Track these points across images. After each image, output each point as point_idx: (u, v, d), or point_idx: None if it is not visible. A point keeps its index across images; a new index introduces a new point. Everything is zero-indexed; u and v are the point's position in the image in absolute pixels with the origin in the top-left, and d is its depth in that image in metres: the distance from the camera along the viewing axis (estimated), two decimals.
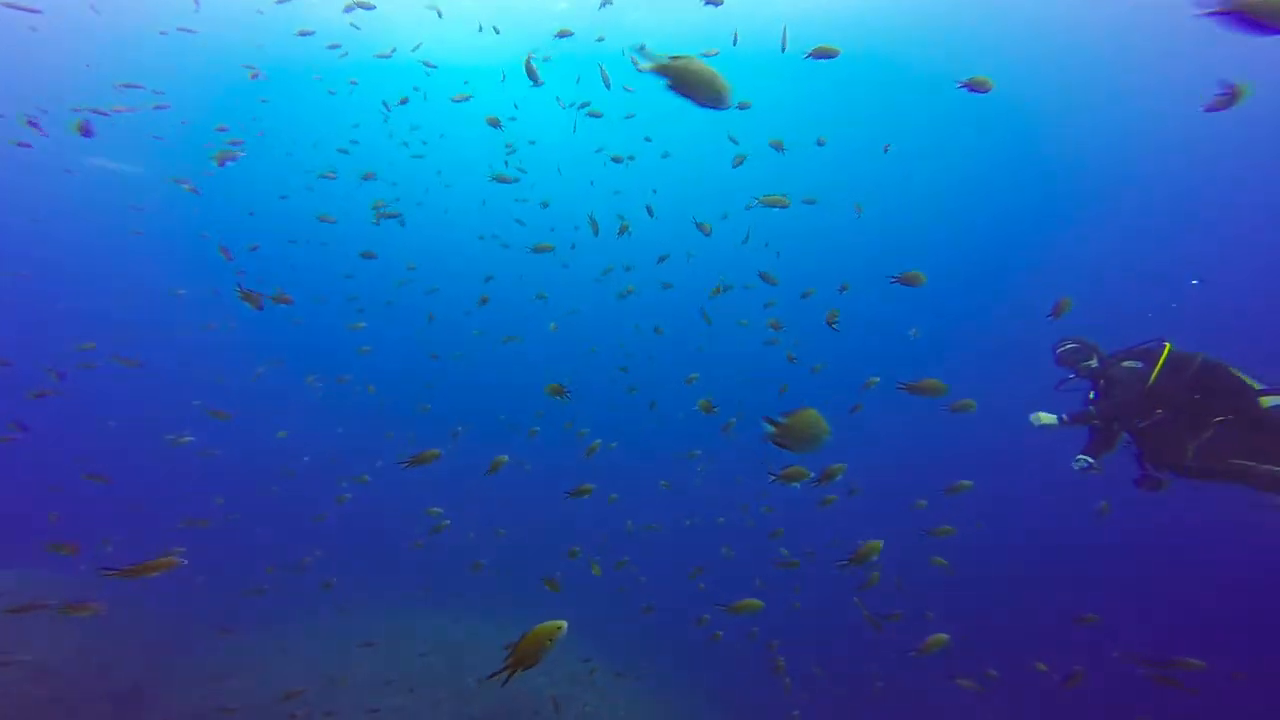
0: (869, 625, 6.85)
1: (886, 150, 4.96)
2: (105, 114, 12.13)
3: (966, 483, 4.45)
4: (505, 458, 4.91)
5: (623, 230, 8.25)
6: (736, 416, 9.06)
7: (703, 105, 2.13)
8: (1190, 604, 13.93)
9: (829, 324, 4.47)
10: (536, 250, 5.58)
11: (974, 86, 3.47)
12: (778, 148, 7.55)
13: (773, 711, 9.93)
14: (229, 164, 5.40)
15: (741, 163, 8.79)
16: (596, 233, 7.10)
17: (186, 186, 11.29)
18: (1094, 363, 4.33)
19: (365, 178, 8.93)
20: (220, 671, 9.34)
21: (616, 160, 8.08)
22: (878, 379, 6.67)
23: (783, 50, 7.75)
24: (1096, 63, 18.44)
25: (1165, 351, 3.87)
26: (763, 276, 5.98)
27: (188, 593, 11.30)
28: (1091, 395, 4.25)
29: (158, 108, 10.89)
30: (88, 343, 10.74)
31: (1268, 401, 3.57)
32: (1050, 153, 22.85)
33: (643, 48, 2.08)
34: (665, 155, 15.02)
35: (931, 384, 3.43)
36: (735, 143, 8.37)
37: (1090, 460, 4.07)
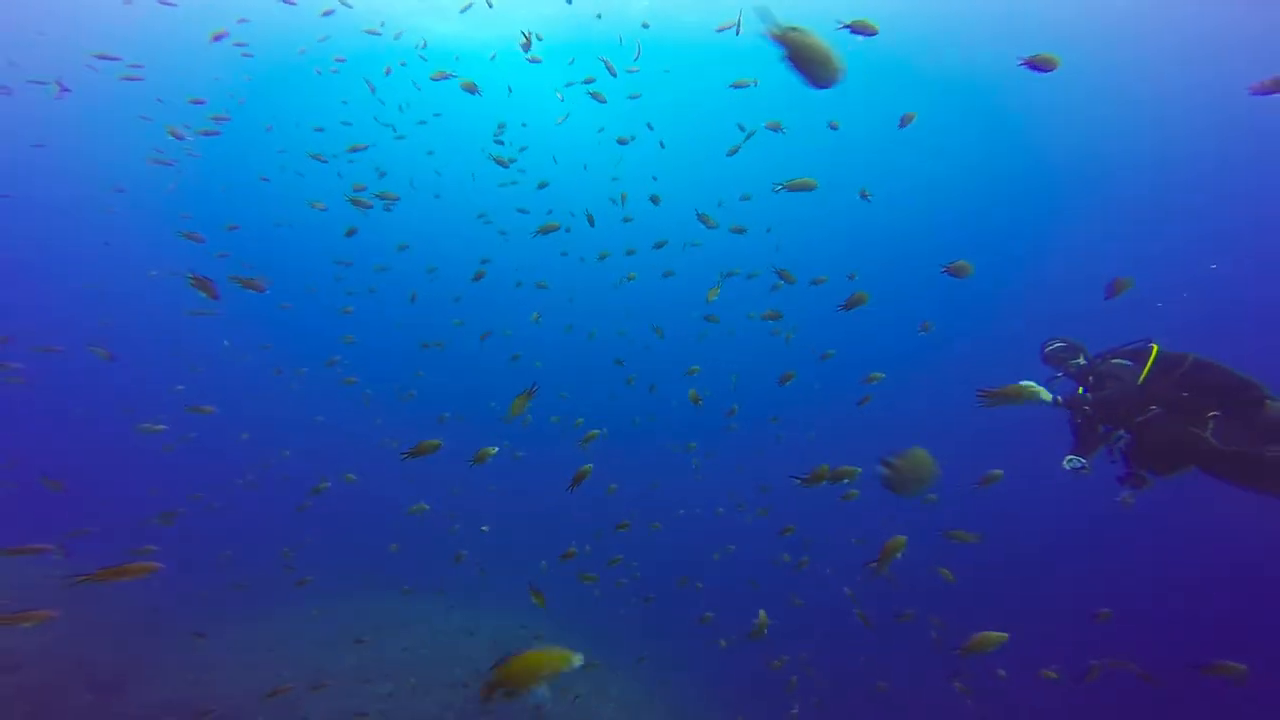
0: (877, 622, 6.80)
1: (905, 124, 4.76)
2: (66, 90, 11.49)
3: (997, 472, 4.35)
4: (494, 449, 4.66)
5: (623, 203, 8.08)
6: (736, 405, 8.89)
7: (812, 84, 1.98)
8: (1197, 602, 14.10)
9: (848, 307, 4.29)
10: (542, 231, 5.34)
11: (1036, 64, 3.25)
12: (775, 128, 7.41)
13: (769, 709, 9.88)
14: (188, 139, 4.98)
15: (737, 151, 8.62)
16: (592, 224, 6.86)
17: (150, 161, 10.77)
18: (1081, 361, 4.36)
19: (352, 150, 8.57)
20: (204, 662, 9.10)
21: (622, 142, 7.81)
22: (882, 374, 6.56)
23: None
24: (1097, 58, 18.48)
25: (1154, 352, 3.90)
26: (780, 274, 5.80)
27: (169, 584, 10.98)
28: (1081, 390, 4.27)
29: (127, 79, 10.31)
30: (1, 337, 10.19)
31: (1272, 406, 3.54)
32: (1049, 147, 22.92)
33: (766, 10, 1.92)
34: (662, 146, 14.75)
35: (1017, 390, 3.24)
36: (743, 129, 8.17)
37: (1082, 461, 4.10)
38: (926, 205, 25.99)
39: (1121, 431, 3.99)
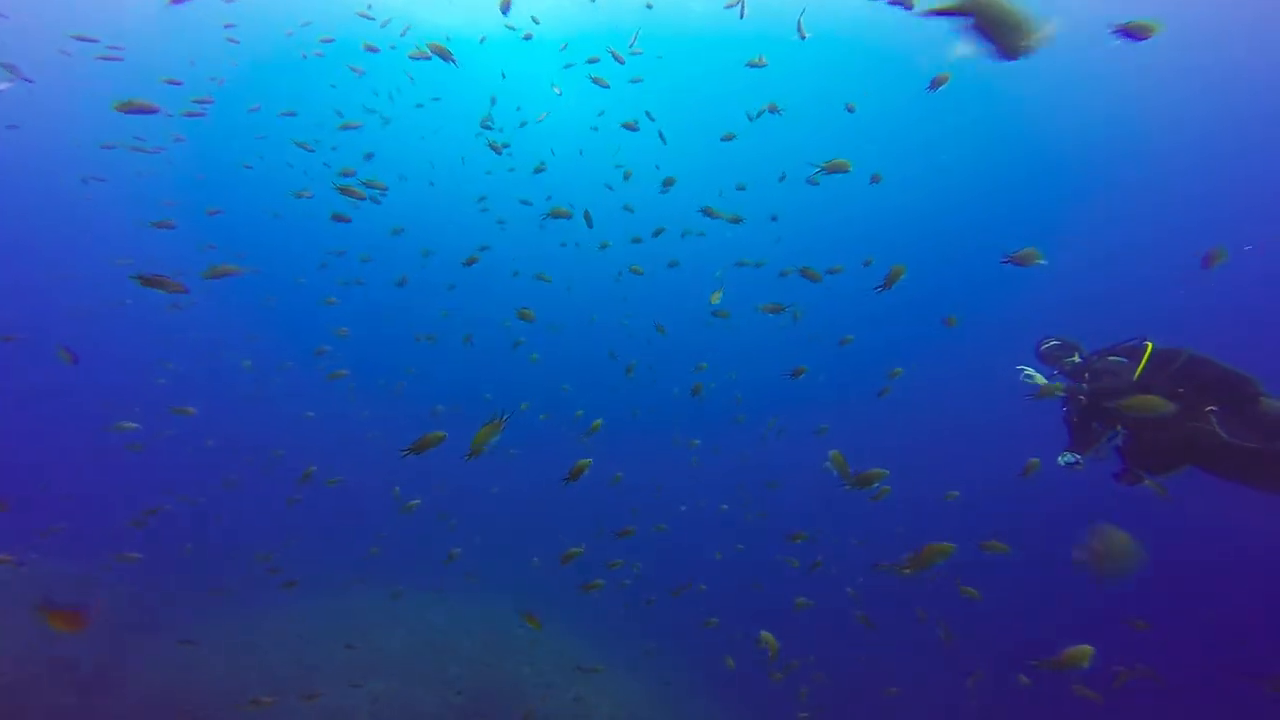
0: (880, 622, 6.65)
1: (936, 86, 4.52)
2: (28, 79, 10.93)
3: (1034, 461, 4.23)
4: (492, 431, 4.31)
5: (626, 180, 7.87)
6: (740, 395, 8.68)
7: (1002, 54, 1.72)
8: (1196, 601, 14.07)
9: (887, 285, 4.12)
10: (553, 215, 5.08)
11: (1131, 32, 2.98)
12: (773, 111, 7.25)
13: (771, 709, 9.72)
14: (136, 113, 4.50)
15: (733, 138, 8.40)
16: (590, 225, 6.57)
17: (110, 147, 10.18)
18: (1076, 359, 4.35)
19: (344, 127, 8.23)
20: (190, 660, 8.93)
21: (629, 128, 7.55)
22: (901, 370, 6.39)
23: (803, 38, 7.35)
24: (1099, 45, 18.39)
25: (1149, 349, 3.88)
26: (805, 273, 5.62)
27: (156, 581, 10.69)
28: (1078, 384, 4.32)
29: (106, 59, 9.74)
30: None
31: (1267, 404, 3.52)
32: (1052, 134, 22.86)
33: None
34: (664, 140, 14.39)
35: (1148, 401, 3.13)
36: (751, 119, 7.99)
37: (1076, 456, 4.14)
38: (929, 195, 25.87)
39: (1120, 428, 3.94)
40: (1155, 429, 3.74)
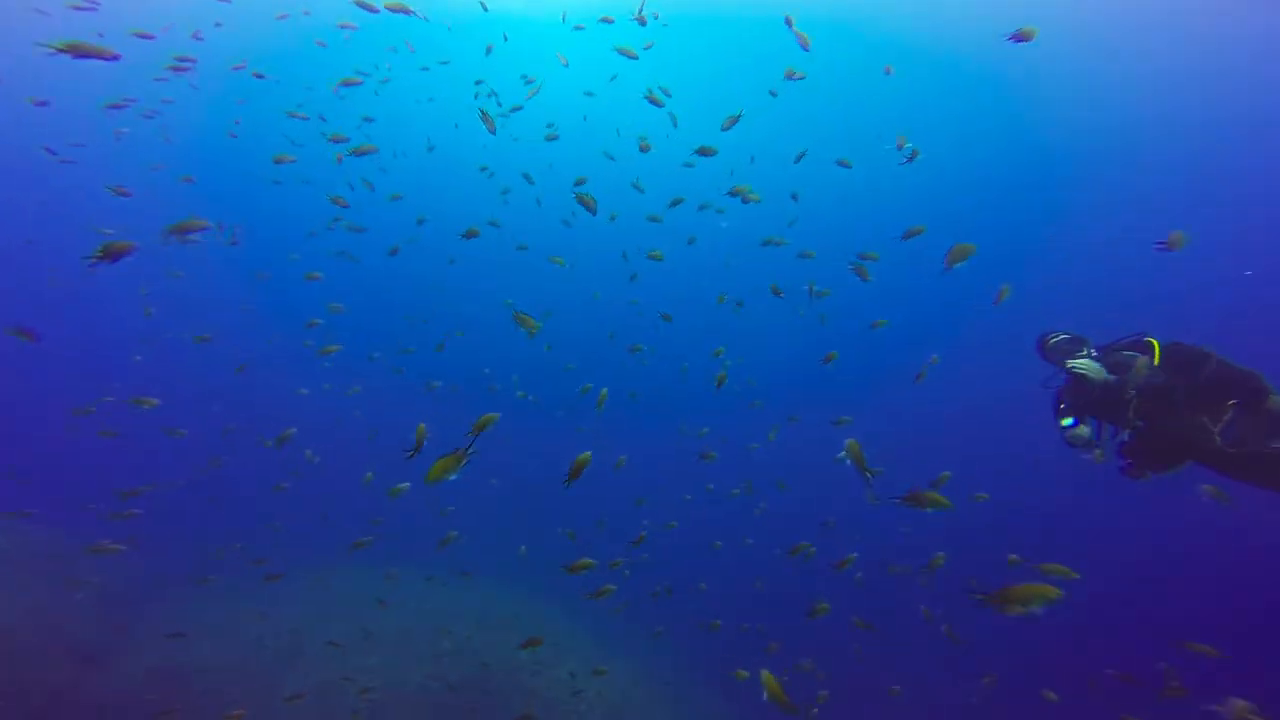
0: (918, 622, 6.39)
1: (1021, 38, 4.09)
2: None
3: (1099, 451, 3.97)
4: (496, 415, 3.94)
5: (644, 148, 7.50)
6: (753, 379, 8.28)
7: None
8: (1194, 600, 13.92)
9: (950, 264, 3.79)
10: (576, 192, 4.63)
11: None
12: (792, 77, 7.20)
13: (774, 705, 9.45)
14: (85, 58, 3.86)
15: (734, 123, 7.90)
16: (594, 212, 6.04)
17: (41, 104, 9.52)
18: (1088, 353, 4.17)
19: (343, 84, 7.69)
20: (180, 641, 8.73)
21: (654, 102, 7.04)
22: (938, 357, 5.99)
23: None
24: (1099, 42, 17.97)
25: (1156, 347, 3.89)
26: (856, 269, 5.20)
27: (150, 558, 10.38)
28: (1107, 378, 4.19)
29: (78, 8, 8.92)
30: None
31: (1274, 401, 3.56)
32: (1059, 123, 22.43)
33: None
34: (675, 124, 13.81)
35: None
36: (774, 95, 7.56)
37: (1073, 419, 4.05)
38: (940, 178, 25.41)
39: (1139, 424, 3.85)
40: (1175, 423, 3.73)
